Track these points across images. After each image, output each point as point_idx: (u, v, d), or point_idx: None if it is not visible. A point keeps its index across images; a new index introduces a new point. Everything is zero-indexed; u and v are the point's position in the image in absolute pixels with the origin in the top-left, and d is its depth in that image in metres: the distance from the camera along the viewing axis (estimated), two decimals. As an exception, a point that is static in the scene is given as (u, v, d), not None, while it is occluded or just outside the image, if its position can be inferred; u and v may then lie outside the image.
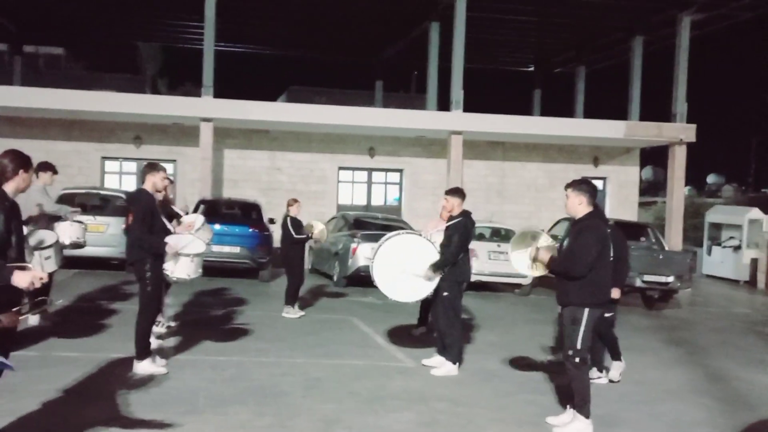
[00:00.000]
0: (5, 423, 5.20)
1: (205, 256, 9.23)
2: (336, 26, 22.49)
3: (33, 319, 8.80)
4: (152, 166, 7.31)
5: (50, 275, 8.61)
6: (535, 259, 6.16)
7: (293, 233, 10.96)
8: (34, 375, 6.59)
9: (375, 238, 9.65)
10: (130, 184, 19.03)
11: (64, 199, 14.41)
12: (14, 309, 4.21)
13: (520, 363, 8.48)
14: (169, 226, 7.44)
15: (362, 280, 13.01)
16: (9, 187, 4.33)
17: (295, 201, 11.33)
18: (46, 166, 9.48)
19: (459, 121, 19.12)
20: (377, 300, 12.10)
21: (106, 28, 25.15)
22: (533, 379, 7.81)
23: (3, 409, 5.40)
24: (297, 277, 11.06)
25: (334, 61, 27.62)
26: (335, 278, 14.68)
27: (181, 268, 7.06)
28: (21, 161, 4.38)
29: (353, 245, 14.10)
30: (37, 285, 3.64)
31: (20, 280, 3.57)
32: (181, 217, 8.84)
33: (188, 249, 7.06)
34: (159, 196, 7.58)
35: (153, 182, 7.19)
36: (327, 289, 13.96)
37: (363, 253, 13.41)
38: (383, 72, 27.02)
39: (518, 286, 14.96)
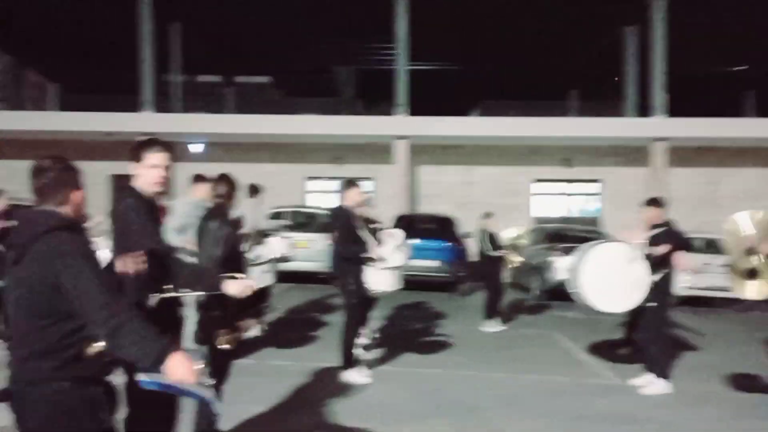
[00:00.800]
0: (228, 427, 5.54)
1: (405, 270, 9.47)
2: (526, 37, 22.19)
3: (255, 330, 9.40)
4: (350, 183, 7.55)
5: (268, 288, 9.19)
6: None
7: (489, 248, 10.88)
8: (250, 382, 7.00)
9: (574, 251, 9.33)
10: (331, 203, 19.87)
11: (274, 217, 15.40)
12: (236, 330, 4.48)
13: (740, 385, 7.78)
14: (370, 240, 7.62)
15: (563, 293, 12.61)
16: (228, 208, 4.71)
17: (490, 214, 11.24)
18: (254, 188, 10.17)
19: (662, 127, 18.14)
20: (580, 314, 11.68)
21: (307, 55, 26.60)
22: (754, 403, 7.14)
23: (226, 414, 5.73)
24: (495, 290, 10.97)
25: (525, 73, 27.23)
26: (534, 292, 14.38)
27: (381, 280, 7.22)
28: (232, 185, 4.75)
29: (553, 258, 13.75)
30: (248, 293, 3.83)
31: (232, 288, 3.78)
32: (378, 230, 9.07)
33: (388, 262, 7.20)
34: (360, 212, 7.81)
35: (352, 198, 7.42)
36: (526, 303, 13.70)
37: (563, 266, 13.01)
38: (577, 80, 26.24)
39: (737, 301, 13.81)
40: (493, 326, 10.74)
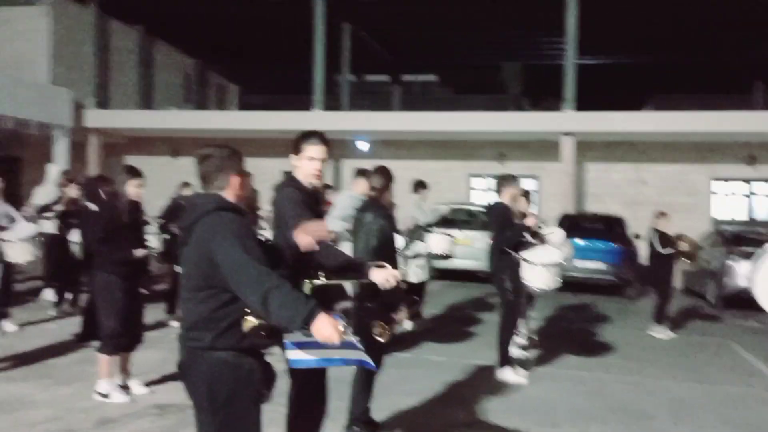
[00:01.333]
0: (382, 417, 5.63)
1: (569, 271, 9.23)
2: (704, 25, 20.84)
3: (408, 324, 9.52)
4: (506, 178, 7.41)
5: (424, 284, 9.29)
6: None
7: (660, 248, 10.32)
8: (406, 374, 7.09)
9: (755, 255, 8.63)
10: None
11: (436, 214, 15.48)
12: (390, 323, 4.54)
13: None
14: (526, 236, 7.46)
15: (742, 301, 11.74)
16: (384, 200, 4.78)
17: (663, 214, 10.65)
18: (419, 183, 10.23)
19: None
20: (761, 323, 10.84)
21: (473, 52, 26.56)
22: None
23: (380, 405, 5.83)
24: (665, 294, 10.39)
25: (702, 64, 25.59)
26: (710, 298, 13.48)
27: (538, 277, 7.04)
28: (391, 176, 4.79)
29: (731, 263, 12.82)
30: (392, 283, 3.85)
31: (378, 276, 3.83)
32: (538, 227, 8.86)
33: (544, 258, 7.02)
34: (518, 208, 7.67)
35: (509, 194, 7.28)
36: (700, 310, 12.87)
37: (743, 272, 12.11)
38: (763, 71, 24.32)
39: None
40: (662, 332, 10.18)
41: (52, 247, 9.56)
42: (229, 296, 2.90)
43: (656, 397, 6.81)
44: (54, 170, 10.97)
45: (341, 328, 2.68)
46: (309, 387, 3.97)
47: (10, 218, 8.45)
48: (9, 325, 8.46)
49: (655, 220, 10.58)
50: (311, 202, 4.06)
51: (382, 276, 3.85)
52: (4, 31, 20.36)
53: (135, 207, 6.11)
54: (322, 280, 3.86)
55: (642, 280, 13.30)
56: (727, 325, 11.46)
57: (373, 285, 3.93)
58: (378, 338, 4.41)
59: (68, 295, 9.74)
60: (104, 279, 5.85)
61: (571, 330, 10.39)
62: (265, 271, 2.79)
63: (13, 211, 8.59)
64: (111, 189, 8.18)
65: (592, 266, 14.07)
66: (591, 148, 19.74)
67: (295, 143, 4.07)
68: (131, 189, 6.02)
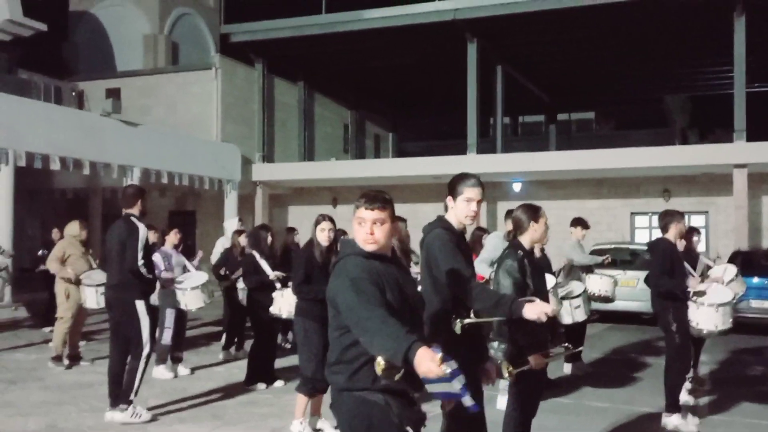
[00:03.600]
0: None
1: (744, 311, 8.61)
2: None
3: (567, 368, 9.21)
4: (670, 213, 7.05)
5: (583, 324, 8.96)
6: None
7: None
8: (566, 420, 6.84)
9: None
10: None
11: (595, 253, 14.96)
12: (543, 352, 4.44)
13: None
14: (692, 272, 7.05)
15: None
16: (525, 239, 4.69)
17: None
18: (578, 222, 9.96)
19: None
20: None
21: (634, 86, 25.74)
22: None
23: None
24: None
25: None
26: None
27: (707, 318, 6.62)
28: (532, 212, 4.70)
29: None
30: (543, 319, 3.77)
31: (529, 312, 3.76)
32: (708, 266, 8.37)
33: (713, 298, 6.59)
34: (681, 245, 7.28)
35: (674, 230, 6.91)
36: None
37: None
38: None
39: None
40: None
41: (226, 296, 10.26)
42: (354, 338, 2.95)
43: None
44: (230, 224, 11.74)
45: (439, 361, 2.61)
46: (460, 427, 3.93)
47: (184, 268, 9.09)
48: (182, 369, 9.01)
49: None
50: (460, 243, 4.09)
51: (534, 311, 3.78)
52: (182, 94, 22.18)
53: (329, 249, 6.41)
54: (472, 318, 3.89)
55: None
56: None
57: (524, 321, 3.88)
58: (507, 377, 4.34)
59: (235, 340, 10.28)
60: (304, 325, 6.20)
61: (747, 375, 9.61)
62: (376, 311, 2.82)
63: (186, 262, 9.23)
64: (271, 234, 8.67)
65: (769, 306, 13.01)
66: (765, 180, 18.45)
67: (451, 185, 4.12)
68: (320, 234, 6.35)
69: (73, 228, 9.65)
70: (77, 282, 9.01)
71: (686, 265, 6.96)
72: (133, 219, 6.66)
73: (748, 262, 14.14)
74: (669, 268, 6.62)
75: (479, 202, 4.05)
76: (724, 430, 6.67)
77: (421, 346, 2.63)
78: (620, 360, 10.62)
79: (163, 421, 6.73)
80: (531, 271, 4.60)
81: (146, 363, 6.62)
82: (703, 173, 18.75)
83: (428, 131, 33.26)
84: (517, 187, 20.79)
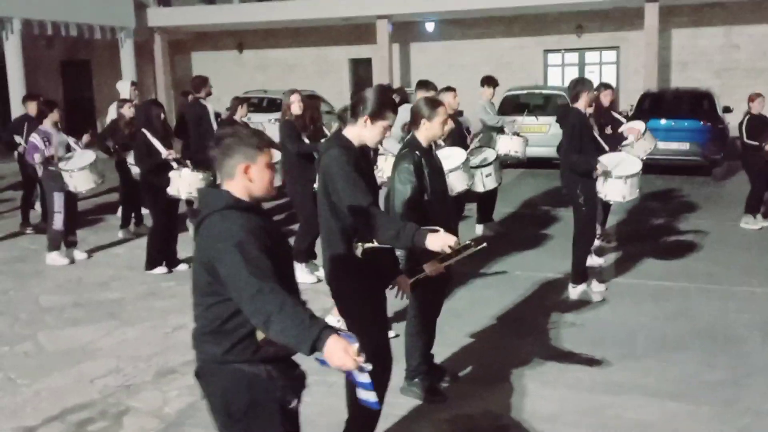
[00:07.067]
0: (443, 358, 5.40)
1: (653, 153, 8.60)
2: None
3: (479, 229, 9.21)
4: (583, 81, 6.74)
5: (494, 190, 8.71)
6: None
7: (746, 138, 9.48)
8: (477, 296, 6.81)
9: None
10: (572, 77, 18.64)
11: (508, 102, 14.74)
12: (438, 257, 4.20)
13: None
14: (601, 142, 6.84)
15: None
16: (420, 136, 4.35)
17: (759, 95, 9.69)
18: (487, 81, 9.60)
19: None
20: None
21: None
22: None
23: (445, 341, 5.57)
24: (761, 179, 9.49)
25: None
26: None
27: (614, 189, 6.52)
28: (430, 108, 4.33)
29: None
30: (447, 251, 3.53)
31: (432, 243, 3.49)
32: (617, 124, 8.22)
33: (620, 170, 6.45)
34: (596, 114, 7.04)
35: (587, 99, 6.61)
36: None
37: None
38: None
39: None
40: (755, 222, 9.47)
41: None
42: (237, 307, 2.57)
43: (747, 314, 6.24)
44: (122, 87, 10.80)
45: (355, 353, 2.32)
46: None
47: (68, 147, 8.37)
48: (78, 254, 8.55)
49: (749, 102, 9.65)
50: (359, 162, 3.68)
51: (437, 243, 3.50)
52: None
53: None
54: (373, 243, 3.64)
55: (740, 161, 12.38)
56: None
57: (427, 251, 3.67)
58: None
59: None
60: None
61: (652, 225, 9.79)
62: (268, 288, 2.44)
63: (70, 141, 8.49)
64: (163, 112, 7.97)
65: (677, 147, 13.21)
66: (677, 13, 18.27)
67: (374, 109, 3.63)
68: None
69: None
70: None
71: (597, 137, 6.74)
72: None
73: (657, 103, 14.21)
74: (578, 143, 6.39)
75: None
76: (630, 299, 6.72)
77: (331, 335, 2.34)
78: (530, 215, 10.65)
79: (54, 324, 6.34)
80: (429, 172, 4.29)
81: None
82: (615, 7, 18.39)
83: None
84: (429, 27, 20.02)
